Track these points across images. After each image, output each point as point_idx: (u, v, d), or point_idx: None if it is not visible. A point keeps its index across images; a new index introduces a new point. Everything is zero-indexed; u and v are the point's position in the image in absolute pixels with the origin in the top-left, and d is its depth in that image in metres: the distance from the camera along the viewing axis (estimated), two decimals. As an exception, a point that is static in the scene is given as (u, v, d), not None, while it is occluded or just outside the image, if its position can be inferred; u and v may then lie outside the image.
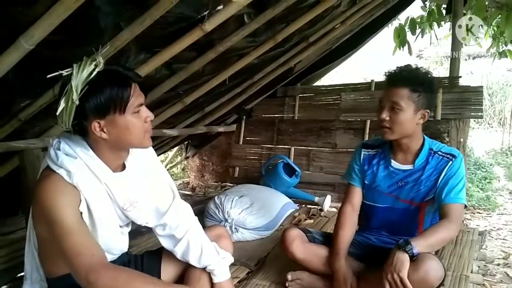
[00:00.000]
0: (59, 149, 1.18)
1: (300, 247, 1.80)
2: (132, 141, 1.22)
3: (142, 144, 1.25)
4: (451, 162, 1.66)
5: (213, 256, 1.38)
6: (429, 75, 1.67)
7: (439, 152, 1.70)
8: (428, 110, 1.64)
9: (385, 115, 1.62)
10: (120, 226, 1.35)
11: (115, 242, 1.31)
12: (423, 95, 1.61)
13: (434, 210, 1.74)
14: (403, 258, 1.42)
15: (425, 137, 1.74)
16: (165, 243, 1.40)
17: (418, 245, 1.45)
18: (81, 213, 1.16)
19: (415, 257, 1.44)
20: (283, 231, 1.87)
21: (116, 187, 1.25)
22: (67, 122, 1.13)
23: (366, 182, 1.82)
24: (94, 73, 1.11)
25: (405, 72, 1.64)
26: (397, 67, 1.68)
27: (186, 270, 1.43)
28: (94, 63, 1.12)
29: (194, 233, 1.39)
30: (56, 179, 1.13)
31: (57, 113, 1.13)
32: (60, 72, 1.12)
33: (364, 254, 1.81)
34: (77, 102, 1.09)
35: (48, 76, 1.13)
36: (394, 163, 1.75)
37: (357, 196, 1.85)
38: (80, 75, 1.09)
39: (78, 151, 1.18)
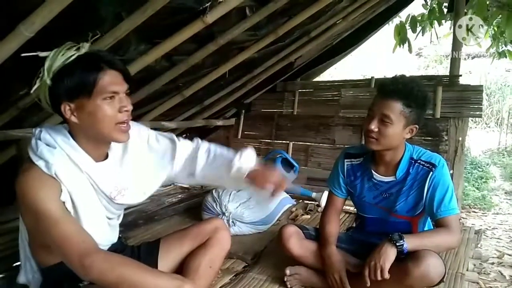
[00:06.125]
0: (39, 139, 1.16)
1: (297, 243, 1.81)
2: (102, 130, 1.16)
3: (111, 135, 1.19)
4: (431, 172, 1.61)
5: (232, 152, 1.48)
6: (423, 90, 1.58)
7: (419, 161, 1.65)
8: (417, 126, 1.60)
9: (373, 126, 1.56)
10: (109, 218, 1.34)
11: (101, 233, 1.29)
12: (415, 111, 1.55)
13: (428, 221, 1.74)
14: (390, 252, 1.44)
15: (407, 144, 1.69)
16: (183, 179, 1.51)
17: (411, 242, 1.47)
18: (64, 202, 1.14)
19: (404, 254, 1.46)
20: (280, 228, 1.87)
21: (99, 176, 1.23)
22: (45, 103, 1.16)
23: (353, 193, 1.83)
24: (73, 57, 1.11)
25: (401, 84, 1.55)
26: (393, 77, 1.61)
27: (184, 261, 1.43)
28: (75, 48, 1.13)
29: (205, 146, 1.58)
30: (35, 172, 1.11)
31: (31, 92, 1.15)
32: (38, 53, 1.14)
33: (360, 251, 1.81)
34: (48, 82, 1.11)
35: (22, 55, 1.16)
36: (376, 175, 1.73)
37: (339, 204, 1.89)
38: (57, 58, 1.10)
39: (59, 140, 1.17)
